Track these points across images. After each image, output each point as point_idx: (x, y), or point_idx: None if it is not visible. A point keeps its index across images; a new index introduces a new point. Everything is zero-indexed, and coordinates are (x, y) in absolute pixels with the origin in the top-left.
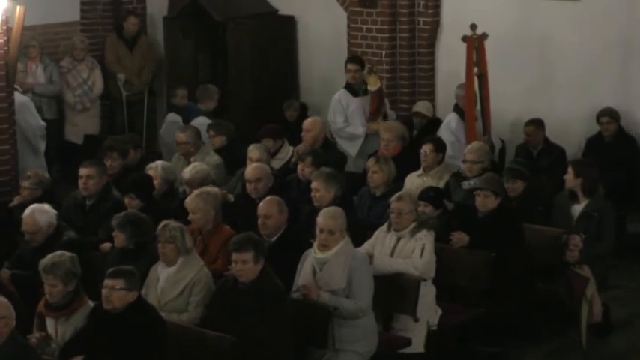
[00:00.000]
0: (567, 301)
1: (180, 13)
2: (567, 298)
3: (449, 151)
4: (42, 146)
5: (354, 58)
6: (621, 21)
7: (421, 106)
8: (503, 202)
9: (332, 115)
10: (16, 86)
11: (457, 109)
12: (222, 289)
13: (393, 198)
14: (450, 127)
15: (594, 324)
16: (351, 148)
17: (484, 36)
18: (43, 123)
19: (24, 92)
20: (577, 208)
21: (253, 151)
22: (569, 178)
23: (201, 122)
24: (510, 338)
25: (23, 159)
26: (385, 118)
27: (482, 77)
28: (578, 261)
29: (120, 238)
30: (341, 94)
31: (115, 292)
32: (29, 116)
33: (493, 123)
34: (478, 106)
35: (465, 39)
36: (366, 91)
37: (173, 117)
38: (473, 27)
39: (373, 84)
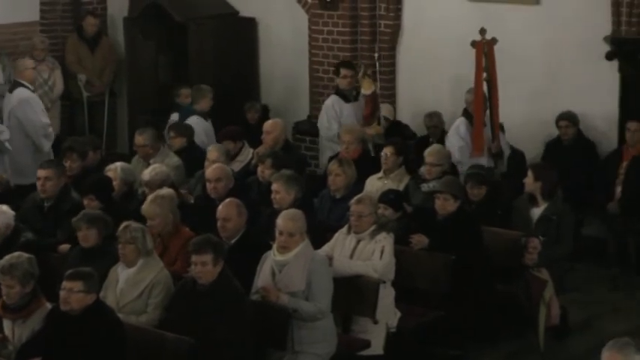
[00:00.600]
0: (526, 303)
1: (141, 14)
2: (526, 300)
3: (457, 157)
4: (45, 144)
5: (347, 64)
6: (579, 25)
7: (384, 109)
8: (462, 204)
9: (326, 121)
10: (23, 82)
11: (466, 113)
12: (181, 290)
13: (353, 200)
14: (458, 131)
15: (552, 327)
16: None
17: (493, 41)
18: (46, 121)
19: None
20: (536, 212)
21: (212, 151)
22: (529, 182)
23: (194, 122)
24: (469, 341)
25: (23, 156)
26: (379, 122)
27: (491, 82)
28: (537, 264)
29: (89, 236)
30: (333, 101)
31: (73, 295)
32: (30, 113)
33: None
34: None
35: (473, 44)
36: (357, 97)
37: (175, 117)
38: (482, 32)
39: (368, 88)
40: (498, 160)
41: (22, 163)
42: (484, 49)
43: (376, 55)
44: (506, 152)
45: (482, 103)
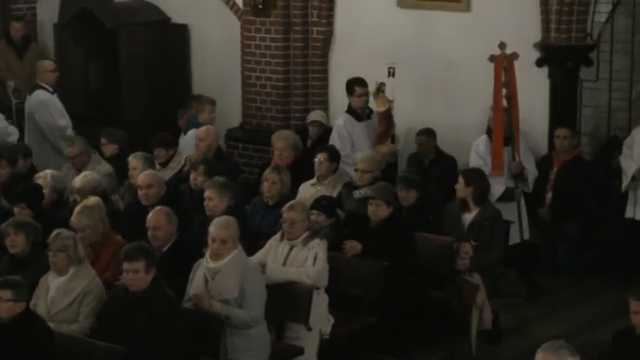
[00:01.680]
0: (458, 308)
1: (71, 20)
2: (458, 305)
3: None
4: (64, 147)
5: (360, 81)
6: (509, 32)
7: (318, 115)
8: (395, 210)
9: (336, 142)
10: (42, 84)
11: (489, 132)
12: (113, 299)
13: (285, 207)
14: (477, 150)
15: (485, 331)
16: None
17: (514, 55)
18: (63, 123)
19: None
20: (468, 217)
21: (133, 160)
22: (460, 187)
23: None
24: (402, 347)
25: (42, 158)
26: (393, 140)
27: (512, 99)
28: (469, 269)
29: (17, 241)
30: (345, 120)
31: (2, 303)
32: (47, 115)
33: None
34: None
35: (492, 58)
36: (369, 115)
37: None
38: (502, 46)
39: (382, 105)
40: (520, 181)
41: (41, 164)
42: (503, 64)
43: (390, 69)
44: (532, 173)
45: (502, 121)
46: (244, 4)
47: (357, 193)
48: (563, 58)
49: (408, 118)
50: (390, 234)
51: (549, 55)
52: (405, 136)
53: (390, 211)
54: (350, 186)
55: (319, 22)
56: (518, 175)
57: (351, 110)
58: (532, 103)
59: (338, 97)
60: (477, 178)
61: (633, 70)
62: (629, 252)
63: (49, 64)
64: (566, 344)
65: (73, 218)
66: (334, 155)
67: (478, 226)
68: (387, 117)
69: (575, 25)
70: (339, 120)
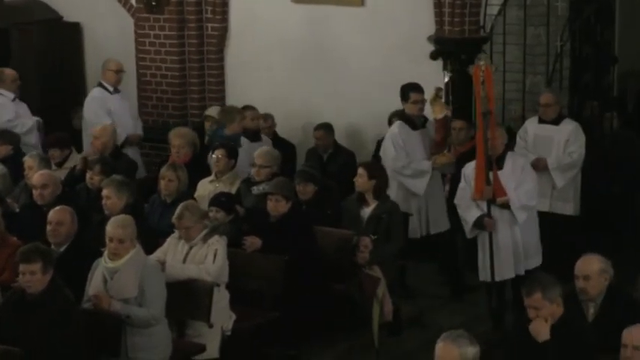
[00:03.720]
0: (359, 301)
1: None
2: (359, 298)
3: (456, 199)
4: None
5: (416, 86)
6: (404, 25)
7: (213, 111)
8: (294, 205)
9: (391, 151)
10: (102, 81)
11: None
12: (9, 301)
13: (174, 217)
14: (465, 171)
15: (386, 323)
16: (418, 186)
17: (491, 67)
18: (97, 120)
19: None
20: (366, 211)
21: (28, 160)
22: (362, 181)
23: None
24: (305, 340)
25: None
26: (450, 149)
27: (489, 115)
28: (369, 262)
29: None
30: (400, 128)
31: None
32: (87, 111)
33: (286, 127)
34: None
35: (470, 70)
36: (424, 124)
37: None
38: (479, 56)
39: (439, 112)
40: (500, 210)
41: None
42: (480, 77)
43: (446, 76)
44: (525, 203)
45: (483, 141)
46: (137, 2)
47: (255, 189)
48: (457, 51)
49: (304, 112)
50: (289, 229)
51: (443, 47)
52: (303, 130)
53: (290, 206)
54: (248, 182)
55: (214, 19)
56: (503, 206)
57: (405, 117)
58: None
59: (235, 93)
60: (379, 170)
61: (526, 61)
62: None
63: (112, 64)
64: (466, 333)
65: None
66: (231, 152)
67: (376, 219)
68: (445, 124)
69: (468, 18)
70: (394, 127)
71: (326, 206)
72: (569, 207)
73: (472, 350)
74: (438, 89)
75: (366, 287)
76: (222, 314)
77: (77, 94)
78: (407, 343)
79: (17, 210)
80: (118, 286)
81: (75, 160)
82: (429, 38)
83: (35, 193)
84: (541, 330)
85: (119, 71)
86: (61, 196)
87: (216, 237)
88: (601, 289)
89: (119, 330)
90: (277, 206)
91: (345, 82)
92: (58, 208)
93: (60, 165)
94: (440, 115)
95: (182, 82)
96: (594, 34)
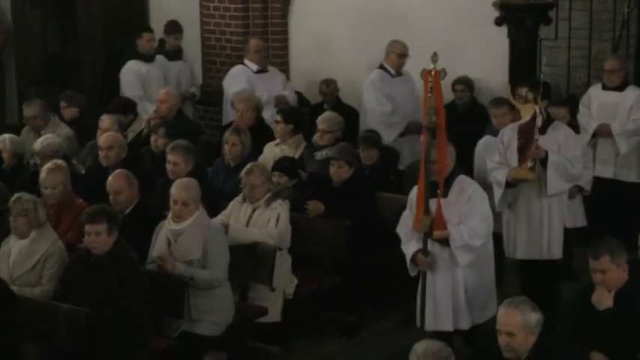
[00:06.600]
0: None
1: None
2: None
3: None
4: (230, 113)
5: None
6: None
7: None
8: (356, 171)
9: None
10: (245, 61)
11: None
12: (75, 261)
13: (243, 172)
14: (410, 196)
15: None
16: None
17: (441, 72)
18: (231, 89)
19: None
20: None
21: (104, 120)
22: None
23: None
24: (365, 306)
25: None
26: (535, 163)
27: (438, 130)
28: None
29: None
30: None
31: None
32: (226, 84)
33: (349, 92)
34: None
35: (422, 74)
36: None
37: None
38: (433, 58)
39: (527, 113)
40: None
41: None
42: (429, 83)
43: (541, 70)
44: (467, 242)
45: (425, 160)
46: None
47: (318, 155)
48: (522, 17)
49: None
50: (352, 194)
51: (508, 13)
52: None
53: (352, 172)
54: (312, 147)
55: None
56: (443, 242)
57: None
58: (492, 63)
59: (299, 59)
60: None
61: (592, 28)
62: None
63: (255, 45)
64: (529, 300)
65: (43, 175)
66: (289, 117)
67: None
68: (530, 130)
69: None
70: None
71: (389, 171)
72: (632, 173)
73: (535, 316)
74: (533, 85)
75: None
76: (284, 278)
77: None
78: None
79: (83, 172)
80: (182, 248)
81: (140, 123)
82: (494, 4)
83: (101, 155)
84: (603, 298)
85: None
86: (126, 159)
87: (279, 201)
88: None
89: (183, 292)
90: (340, 171)
91: (414, 48)
92: (114, 174)
93: (126, 128)
94: (527, 118)
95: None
96: None
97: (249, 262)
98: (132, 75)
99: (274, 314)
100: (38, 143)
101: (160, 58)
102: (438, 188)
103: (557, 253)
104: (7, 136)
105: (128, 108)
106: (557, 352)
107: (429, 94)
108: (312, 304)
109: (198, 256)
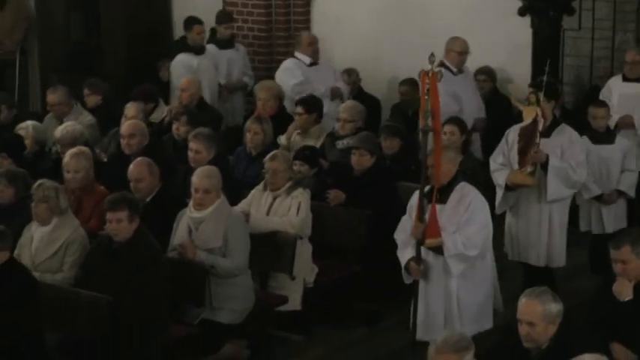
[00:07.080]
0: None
1: None
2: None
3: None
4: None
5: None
6: None
7: None
8: (378, 160)
9: (288, 78)
10: (296, 54)
11: None
12: (97, 248)
13: (267, 158)
14: (411, 201)
15: None
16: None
17: (438, 74)
18: (289, 82)
19: None
20: None
21: (130, 108)
22: (454, 138)
23: None
24: (385, 295)
25: None
26: (536, 167)
27: (435, 135)
28: None
29: (6, 193)
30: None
31: None
32: (278, 77)
33: (371, 82)
34: None
35: (419, 75)
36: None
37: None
38: (430, 59)
39: (528, 115)
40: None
41: None
42: (427, 84)
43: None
44: (462, 252)
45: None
46: None
47: (340, 144)
48: (545, 7)
49: (388, 68)
50: (373, 183)
51: (532, 3)
52: (388, 84)
53: (374, 161)
54: (333, 136)
55: None
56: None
57: None
58: (515, 53)
59: (322, 50)
60: (467, 127)
61: (616, 18)
62: None
63: (306, 38)
64: (549, 290)
65: (68, 159)
66: (310, 107)
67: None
68: (531, 132)
69: None
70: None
71: (410, 161)
72: None
73: (556, 307)
74: (539, 85)
75: None
76: (305, 267)
77: (164, 45)
78: None
79: (105, 159)
80: (203, 236)
81: (162, 111)
82: None
83: (123, 142)
84: (624, 289)
85: (313, 45)
86: (148, 147)
87: (300, 190)
88: None
89: (203, 279)
90: (361, 160)
91: (431, 37)
92: (135, 162)
93: (148, 115)
94: (529, 119)
95: (268, 36)
96: None
97: (269, 250)
98: (182, 68)
99: (294, 303)
100: (58, 131)
101: (210, 47)
102: (435, 194)
103: (558, 261)
104: (29, 122)
105: (150, 96)
106: (578, 343)
107: (426, 97)
108: (332, 292)
109: (219, 244)
